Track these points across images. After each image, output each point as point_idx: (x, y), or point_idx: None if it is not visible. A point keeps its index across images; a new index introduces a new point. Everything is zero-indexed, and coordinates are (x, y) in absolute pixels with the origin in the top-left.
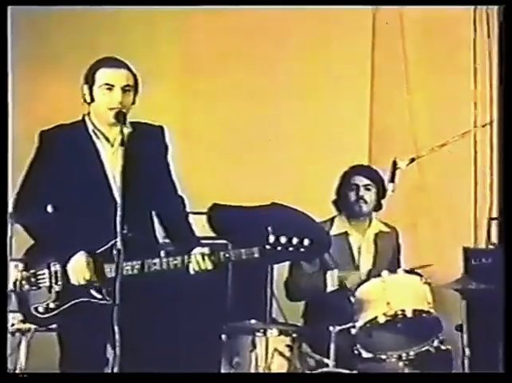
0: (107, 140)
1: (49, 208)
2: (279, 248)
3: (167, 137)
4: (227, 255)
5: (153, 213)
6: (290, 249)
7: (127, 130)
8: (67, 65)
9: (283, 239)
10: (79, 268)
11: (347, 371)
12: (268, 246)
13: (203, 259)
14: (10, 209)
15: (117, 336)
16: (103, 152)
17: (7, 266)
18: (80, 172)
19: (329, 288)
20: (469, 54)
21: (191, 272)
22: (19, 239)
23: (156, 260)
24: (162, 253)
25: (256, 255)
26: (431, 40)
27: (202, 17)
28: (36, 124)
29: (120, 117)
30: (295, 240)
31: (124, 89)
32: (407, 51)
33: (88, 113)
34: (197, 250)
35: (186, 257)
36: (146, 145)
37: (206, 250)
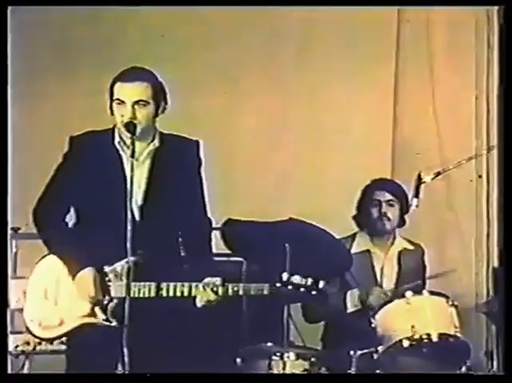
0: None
1: (70, 222)
2: (290, 287)
3: (202, 153)
4: (236, 289)
5: (177, 232)
6: (302, 290)
7: (152, 145)
8: (67, 66)
9: (297, 279)
10: (85, 285)
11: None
12: (279, 284)
13: (207, 290)
14: (10, 222)
15: (126, 359)
16: (127, 166)
17: (7, 284)
18: (103, 184)
19: (350, 309)
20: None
21: (198, 305)
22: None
23: (164, 285)
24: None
25: (265, 292)
26: (459, 47)
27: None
28: (36, 125)
29: (131, 128)
30: (309, 281)
31: (137, 104)
32: (433, 59)
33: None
34: (207, 280)
35: (194, 285)
36: (175, 160)
37: (216, 280)
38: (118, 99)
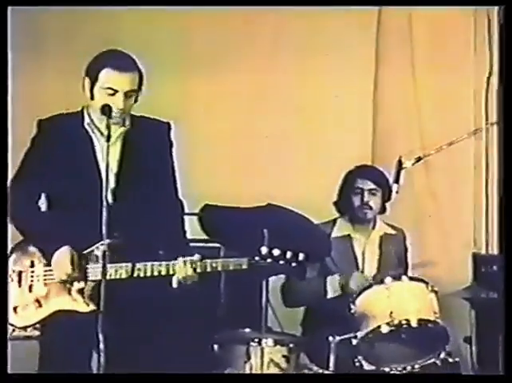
0: (102, 135)
1: (43, 207)
2: (269, 260)
3: (173, 134)
4: (214, 265)
5: (150, 215)
6: (281, 262)
7: (123, 128)
8: (67, 65)
9: (276, 252)
10: (61, 262)
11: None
12: (257, 258)
13: (187, 266)
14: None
15: (101, 345)
16: (98, 148)
17: (7, 267)
18: (74, 167)
19: (330, 294)
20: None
21: (174, 285)
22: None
23: (140, 265)
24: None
25: (244, 267)
26: (439, 38)
27: (204, 17)
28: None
29: (106, 111)
30: (289, 254)
31: (128, 94)
32: (414, 48)
33: (88, 106)
34: (185, 258)
35: (171, 263)
36: (146, 142)
37: (194, 257)
38: (110, 88)
